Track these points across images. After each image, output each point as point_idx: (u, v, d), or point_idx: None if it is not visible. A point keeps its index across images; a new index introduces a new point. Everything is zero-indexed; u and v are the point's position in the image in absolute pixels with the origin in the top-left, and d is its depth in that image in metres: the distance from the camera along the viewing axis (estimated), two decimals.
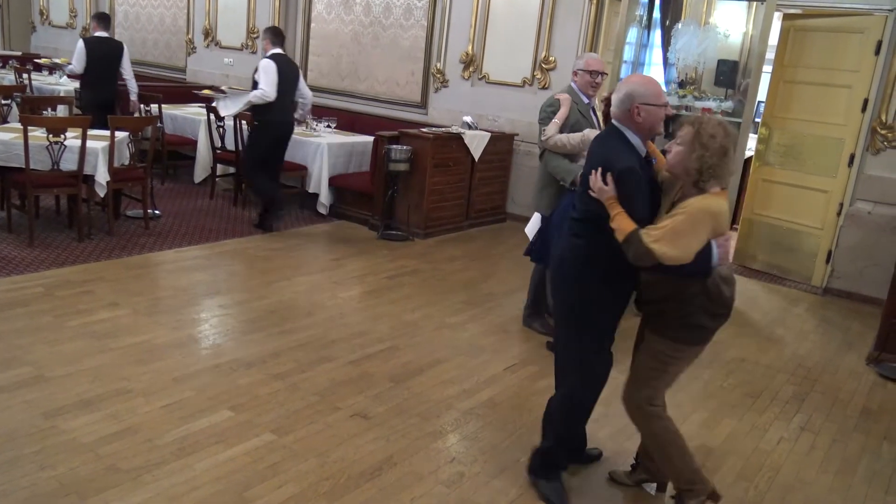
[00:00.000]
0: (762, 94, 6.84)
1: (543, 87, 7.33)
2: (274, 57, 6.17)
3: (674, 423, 2.87)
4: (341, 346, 4.27)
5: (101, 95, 6.88)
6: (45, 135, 5.25)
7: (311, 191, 7.22)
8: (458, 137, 6.93)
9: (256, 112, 6.18)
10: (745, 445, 3.63)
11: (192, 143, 8.03)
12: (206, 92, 8.25)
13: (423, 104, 8.20)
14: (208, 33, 9.83)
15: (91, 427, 3.14)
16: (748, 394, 4.23)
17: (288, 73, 6.21)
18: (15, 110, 7.24)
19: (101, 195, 5.68)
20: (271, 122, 6.22)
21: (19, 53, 11.34)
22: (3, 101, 6.97)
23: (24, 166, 5.24)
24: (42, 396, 3.35)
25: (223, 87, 8.64)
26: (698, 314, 2.70)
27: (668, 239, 2.53)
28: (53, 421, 3.15)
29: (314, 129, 7.56)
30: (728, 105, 6.37)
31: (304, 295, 5.04)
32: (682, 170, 2.61)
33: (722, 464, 3.43)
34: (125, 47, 7.13)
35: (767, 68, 6.70)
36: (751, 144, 7.30)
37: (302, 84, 6.55)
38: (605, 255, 2.68)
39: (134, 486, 2.78)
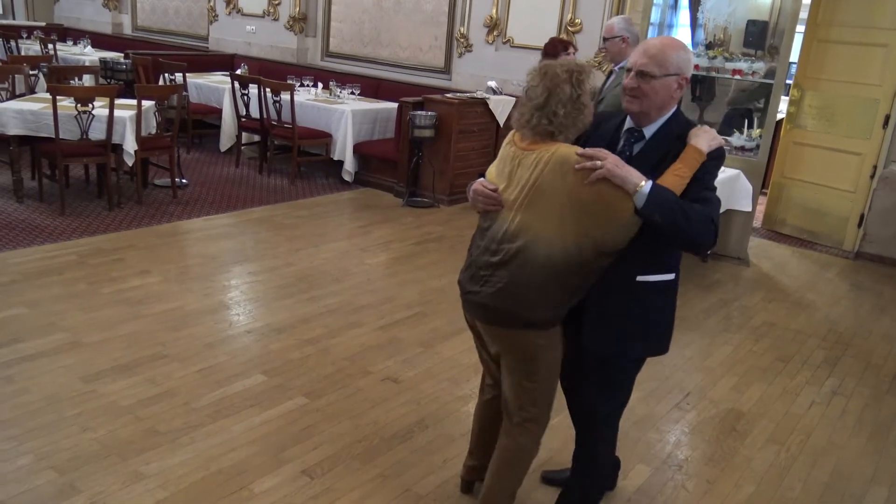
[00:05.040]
0: (794, 55, 6.67)
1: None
2: None
3: (478, 408, 2.68)
4: (370, 312, 4.30)
5: None
6: (73, 104, 5.28)
7: (335, 158, 7.22)
8: (482, 103, 6.86)
9: None
10: (776, 409, 3.62)
11: (217, 112, 8.04)
12: None
13: (446, 70, 8.12)
14: (230, 1, 9.77)
15: (129, 391, 3.21)
16: (779, 358, 4.21)
17: None
18: (42, 81, 7.28)
19: (130, 164, 5.72)
20: None
21: (43, 24, 11.40)
22: (31, 72, 7.00)
23: (53, 136, 5.30)
24: (80, 361, 3.42)
25: None
26: None
27: None
28: (92, 385, 3.23)
29: (338, 97, 7.54)
30: (759, 66, 6.22)
31: (332, 261, 5.07)
32: None
33: (753, 427, 3.42)
34: None
35: (800, 28, 6.52)
36: (782, 107, 7.14)
37: None
38: None
39: (173, 448, 2.84)
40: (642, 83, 2.14)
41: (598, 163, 2.02)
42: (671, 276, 2.27)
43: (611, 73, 4.50)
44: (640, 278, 2.20)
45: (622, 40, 4.25)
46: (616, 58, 4.30)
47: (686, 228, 2.02)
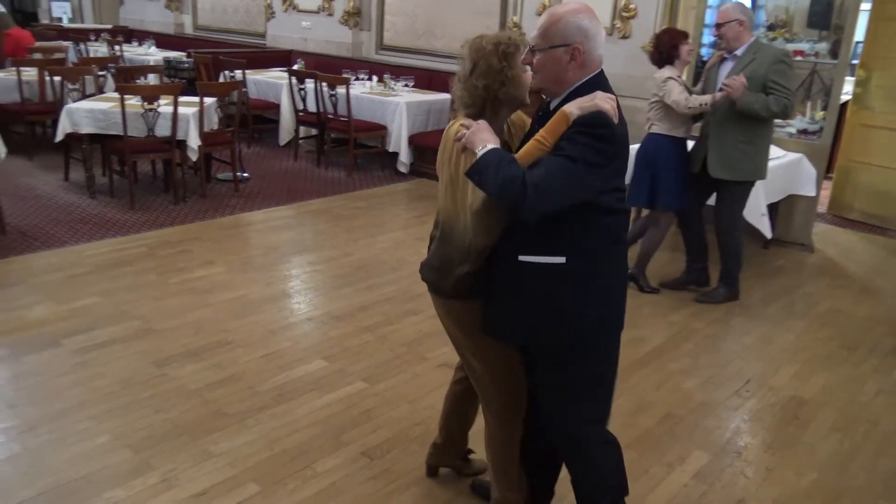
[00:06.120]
0: (860, 34, 6.44)
1: (623, 37, 7.12)
2: None
3: (449, 390, 2.69)
4: (426, 300, 4.30)
5: None
6: (140, 103, 5.50)
7: (390, 150, 7.31)
8: (536, 91, 6.83)
9: None
10: (840, 397, 3.53)
11: (276, 107, 8.23)
12: None
13: None
14: None
15: (198, 375, 3.35)
16: (844, 346, 4.10)
17: None
18: (110, 81, 7.58)
19: (194, 159, 5.92)
20: None
21: (110, 26, 11.83)
22: (100, 73, 7.30)
23: (122, 134, 5.53)
24: (152, 347, 3.59)
25: None
26: None
27: None
28: (164, 369, 3.38)
29: (392, 89, 7.62)
30: (822, 47, 6.04)
31: (389, 251, 5.15)
32: None
33: (816, 415, 3.36)
34: None
35: (866, 6, 6.29)
36: (847, 88, 6.91)
37: None
38: None
39: (239, 429, 2.97)
40: (532, 58, 2.04)
41: (465, 131, 1.98)
42: (559, 260, 2.02)
43: (723, 59, 4.35)
44: (522, 258, 2.05)
45: (739, 23, 4.14)
46: (733, 43, 4.20)
47: (492, 186, 1.89)
